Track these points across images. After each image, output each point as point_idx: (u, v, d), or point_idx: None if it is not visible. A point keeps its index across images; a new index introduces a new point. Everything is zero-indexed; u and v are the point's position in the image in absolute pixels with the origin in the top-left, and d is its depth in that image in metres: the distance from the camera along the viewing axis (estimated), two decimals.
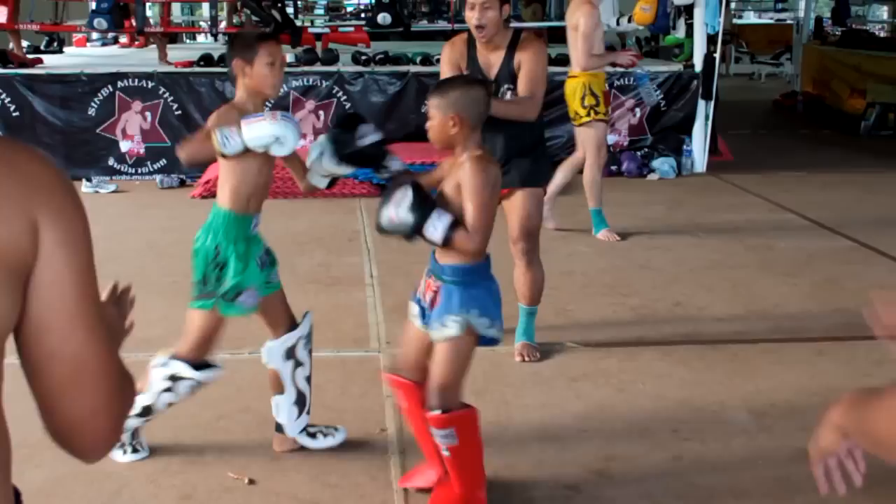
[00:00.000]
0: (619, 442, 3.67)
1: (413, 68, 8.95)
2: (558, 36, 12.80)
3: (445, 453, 3.05)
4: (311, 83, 8.82)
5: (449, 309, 2.98)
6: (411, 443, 3.63)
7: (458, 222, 2.91)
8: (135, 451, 3.50)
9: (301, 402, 3.54)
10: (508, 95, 4.25)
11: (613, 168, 8.75)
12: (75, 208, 1.19)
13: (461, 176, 2.96)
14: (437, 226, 2.88)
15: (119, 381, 1.22)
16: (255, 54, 3.32)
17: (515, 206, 4.35)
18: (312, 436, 3.58)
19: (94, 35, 12.70)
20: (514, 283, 4.44)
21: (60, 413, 1.19)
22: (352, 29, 11.73)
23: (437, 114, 3.01)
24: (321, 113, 8.81)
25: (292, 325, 3.52)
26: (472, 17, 4.16)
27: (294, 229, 6.89)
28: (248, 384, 4.14)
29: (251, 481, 3.35)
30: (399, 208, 2.89)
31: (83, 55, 11.81)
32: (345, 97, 8.82)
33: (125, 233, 6.84)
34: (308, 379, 3.56)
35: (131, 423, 3.44)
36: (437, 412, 3.00)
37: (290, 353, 3.49)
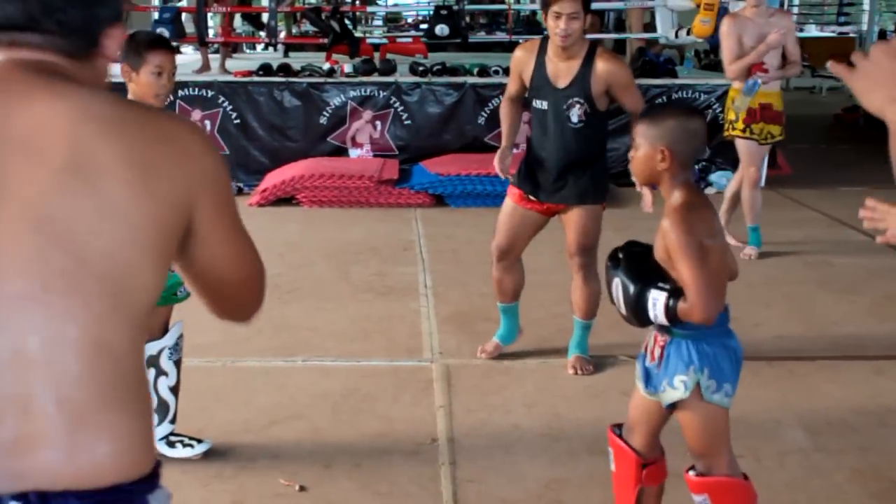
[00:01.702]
0: (671, 457, 3.62)
1: (470, 79, 8.95)
2: (615, 50, 12.77)
3: None
4: (368, 93, 8.88)
5: (677, 367, 2.59)
6: (462, 453, 3.64)
7: (677, 292, 2.50)
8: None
9: (163, 409, 3.44)
10: (576, 108, 4.19)
11: None
12: (224, 173, 1.46)
13: (664, 230, 2.54)
14: (656, 309, 2.54)
15: (262, 270, 1.56)
16: (143, 61, 3.22)
17: (572, 221, 4.29)
18: (171, 445, 3.50)
19: None
20: (570, 295, 4.43)
21: (230, 305, 1.57)
22: (410, 40, 11.80)
23: (644, 144, 2.60)
24: (378, 123, 8.87)
25: (162, 335, 3.39)
26: (556, 26, 4.07)
27: (349, 238, 6.93)
28: (301, 392, 4.19)
29: (302, 488, 3.37)
30: (617, 298, 2.67)
31: None
32: (402, 107, 8.86)
33: None
34: (173, 389, 3.44)
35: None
36: (693, 473, 2.74)
37: (150, 362, 3.33)
